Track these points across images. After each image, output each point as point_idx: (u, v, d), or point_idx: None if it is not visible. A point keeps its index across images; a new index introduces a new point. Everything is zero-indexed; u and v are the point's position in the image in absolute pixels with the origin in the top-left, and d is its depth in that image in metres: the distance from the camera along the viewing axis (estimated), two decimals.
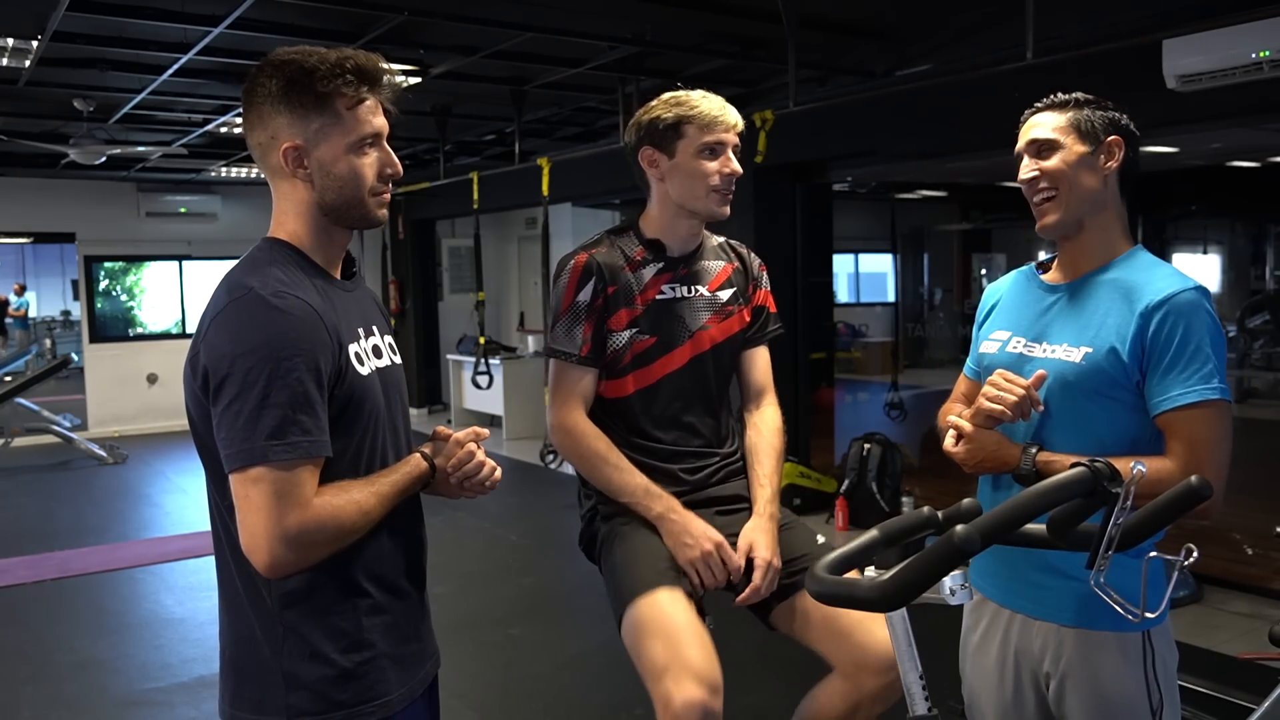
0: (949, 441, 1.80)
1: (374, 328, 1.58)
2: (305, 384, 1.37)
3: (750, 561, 2.05)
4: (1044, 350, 1.75)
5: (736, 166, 2.11)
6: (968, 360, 1.95)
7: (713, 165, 2.08)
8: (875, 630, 1.99)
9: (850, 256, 15.32)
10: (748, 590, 2.03)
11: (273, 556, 1.36)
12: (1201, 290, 1.65)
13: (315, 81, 1.44)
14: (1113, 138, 1.73)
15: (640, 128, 2.12)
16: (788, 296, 6.28)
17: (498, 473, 1.65)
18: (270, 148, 1.48)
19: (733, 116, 2.10)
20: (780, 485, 2.19)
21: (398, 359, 1.63)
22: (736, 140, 2.12)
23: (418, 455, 1.58)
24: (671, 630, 1.90)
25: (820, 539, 2.17)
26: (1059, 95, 1.78)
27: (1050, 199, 1.74)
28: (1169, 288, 1.65)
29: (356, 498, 1.44)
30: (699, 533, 2.02)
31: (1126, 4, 4.77)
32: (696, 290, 2.17)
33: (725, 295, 2.20)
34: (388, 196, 1.56)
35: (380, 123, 1.51)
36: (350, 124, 1.47)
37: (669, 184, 2.12)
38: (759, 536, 2.07)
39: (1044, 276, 1.85)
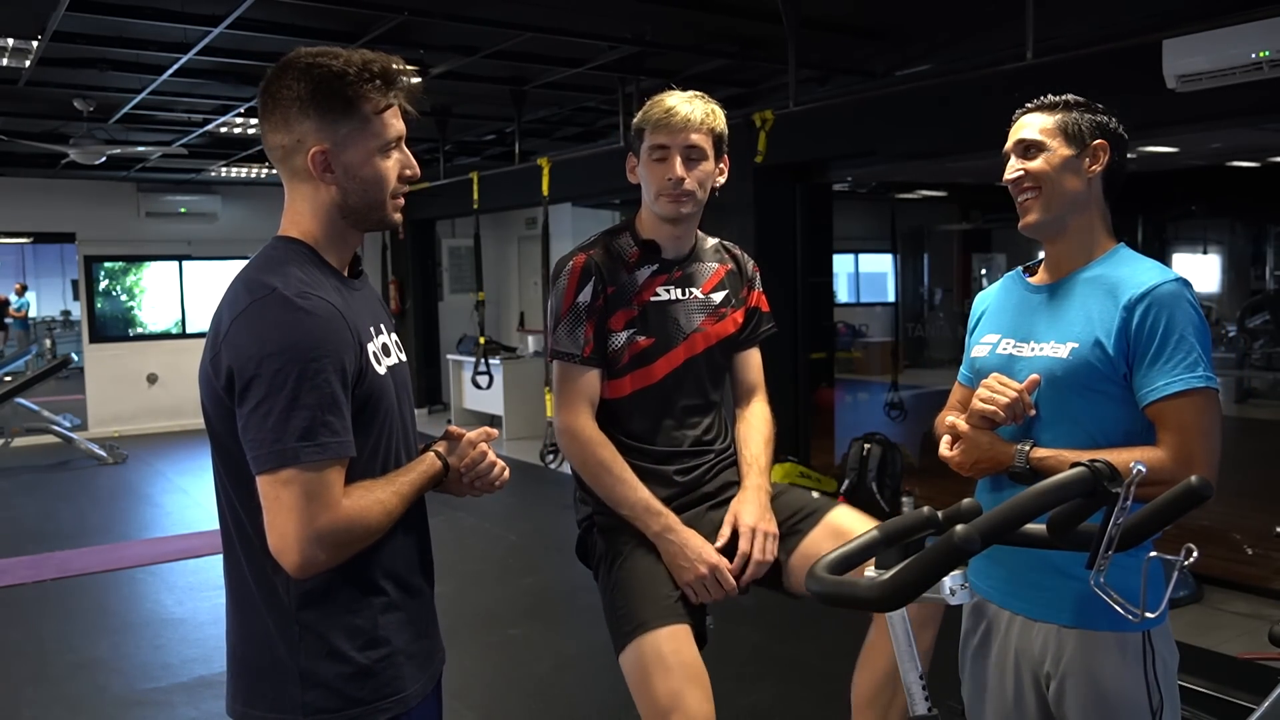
0: (944, 447, 1.81)
1: (382, 326, 1.58)
2: (333, 385, 1.38)
3: (736, 535, 2.06)
4: (1032, 349, 1.77)
5: (676, 170, 2.05)
6: (961, 367, 1.97)
7: (659, 169, 2.07)
8: None
9: (850, 256, 15.33)
10: (737, 559, 2.03)
11: (304, 557, 1.37)
12: (1182, 282, 1.67)
13: (345, 86, 1.44)
14: (1098, 141, 1.75)
15: (630, 133, 2.16)
16: (788, 296, 6.28)
17: (506, 472, 1.67)
18: (295, 151, 1.47)
19: (681, 116, 2.04)
20: (770, 463, 2.19)
21: (403, 357, 1.63)
22: (689, 141, 2.05)
23: (432, 454, 1.59)
24: (674, 671, 1.91)
25: (815, 494, 2.17)
26: (1048, 97, 1.80)
27: (1033, 198, 1.77)
28: (1150, 280, 1.67)
29: (381, 497, 1.45)
30: (695, 554, 2.02)
31: (1126, 4, 4.78)
32: (690, 292, 2.18)
33: (718, 297, 2.21)
34: (403, 200, 1.56)
35: (401, 126, 1.52)
36: (377, 128, 1.47)
37: (642, 188, 2.14)
38: (744, 506, 2.08)
39: (1030, 279, 1.88)
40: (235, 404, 1.38)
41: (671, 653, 1.93)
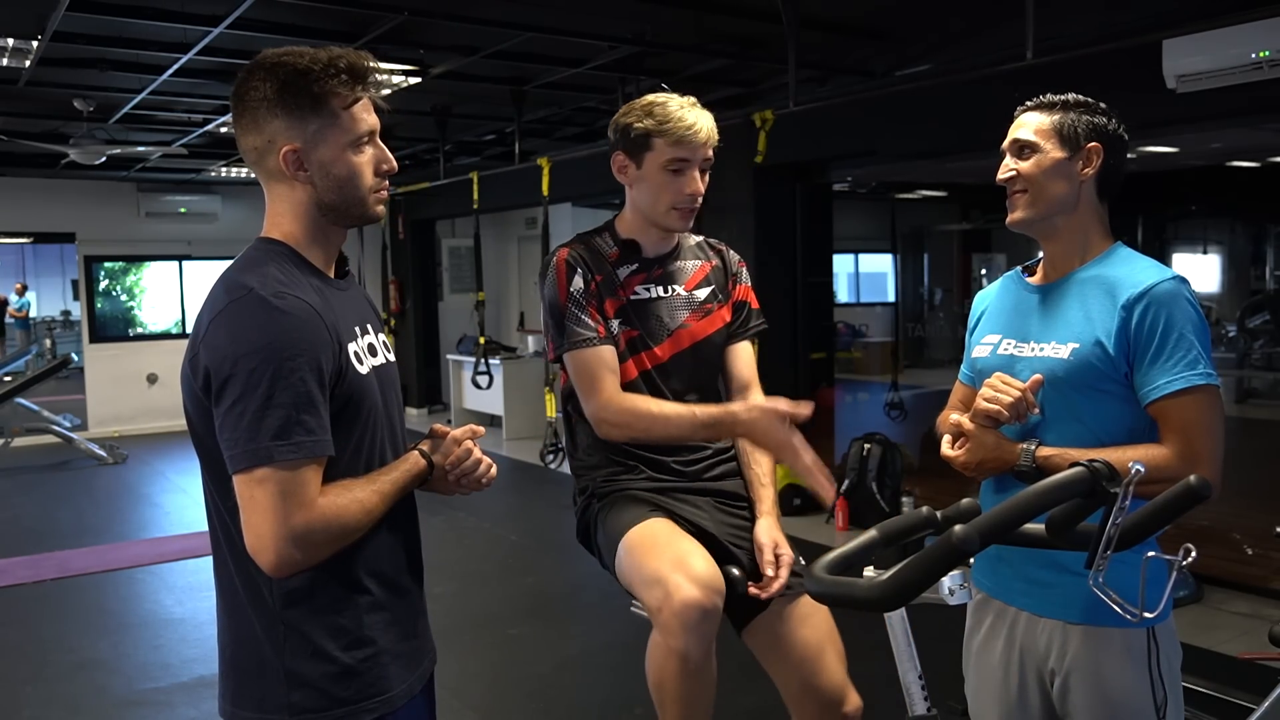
0: (945, 446, 1.81)
1: (368, 326, 1.58)
2: (308, 384, 1.38)
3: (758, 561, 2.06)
4: (1033, 349, 1.77)
5: (698, 186, 2.09)
6: (962, 367, 1.97)
7: (676, 183, 2.07)
8: (830, 666, 2.03)
9: (850, 256, 15.33)
10: (776, 585, 2.04)
11: (279, 556, 1.37)
12: (1180, 280, 1.68)
13: (310, 83, 1.44)
14: (1092, 145, 1.74)
15: (616, 130, 2.12)
16: (788, 296, 6.28)
17: (493, 470, 1.66)
18: (268, 151, 1.48)
19: (703, 133, 2.07)
20: (775, 479, 2.21)
21: (391, 357, 1.63)
22: (708, 155, 2.09)
23: (416, 453, 1.58)
24: (667, 545, 1.92)
25: (800, 561, 2.18)
26: (1049, 96, 1.80)
27: (1020, 197, 1.78)
28: (1148, 279, 1.67)
29: (359, 496, 1.45)
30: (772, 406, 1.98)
31: (1126, 4, 4.77)
32: (673, 290, 2.18)
33: (703, 294, 2.20)
34: (385, 193, 1.57)
35: (374, 120, 1.52)
36: (347, 123, 1.48)
37: (635, 192, 2.13)
38: (780, 535, 2.09)
39: (1029, 279, 1.88)
40: (212, 404, 1.39)
41: (661, 533, 1.94)
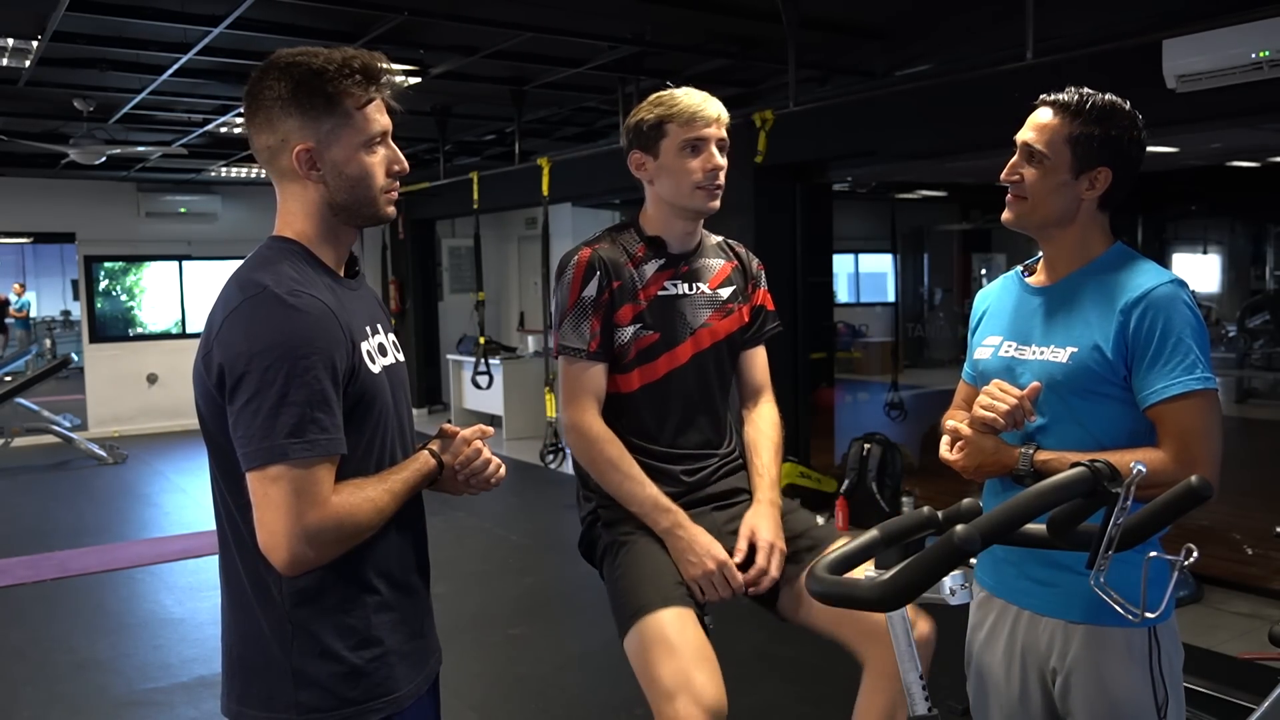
0: (944, 449, 1.81)
1: (379, 326, 1.59)
2: (323, 382, 1.38)
3: (754, 548, 2.05)
4: (1033, 352, 1.77)
5: (720, 161, 2.09)
6: (965, 366, 1.97)
7: (695, 162, 2.07)
8: None
9: (850, 256, 15.33)
10: (753, 571, 2.03)
11: (292, 554, 1.37)
12: (1179, 283, 1.67)
13: (325, 83, 1.45)
14: (1102, 169, 1.71)
15: (629, 132, 2.13)
16: (788, 296, 6.27)
17: (502, 470, 1.67)
18: (281, 151, 1.48)
19: (713, 110, 2.08)
20: (780, 475, 2.19)
21: (401, 357, 1.64)
22: (720, 134, 2.09)
23: (426, 453, 1.59)
24: (680, 651, 1.90)
25: (820, 519, 2.16)
26: (1074, 94, 1.73)
27: (1018, 201, 1.77)
28: (1146, 283, 1.67)
29: (371, 495, 1.45)
30: (703, 550, 2.01)
31: (1126, 4, 4.77)
32: (697, 287, 2.17)
33: (726, 293, 2.20)
34: (396, 194, 1.57)
35: (386, 121, 1.52)
36: (360, 123, 1.48)
37: (658, 185, 2.12)
38: (760, 521, 2.07)
39: (1029, 279, 1.87)
40: (226, 401, 1.39)
41: (676, 633, 1.92)
